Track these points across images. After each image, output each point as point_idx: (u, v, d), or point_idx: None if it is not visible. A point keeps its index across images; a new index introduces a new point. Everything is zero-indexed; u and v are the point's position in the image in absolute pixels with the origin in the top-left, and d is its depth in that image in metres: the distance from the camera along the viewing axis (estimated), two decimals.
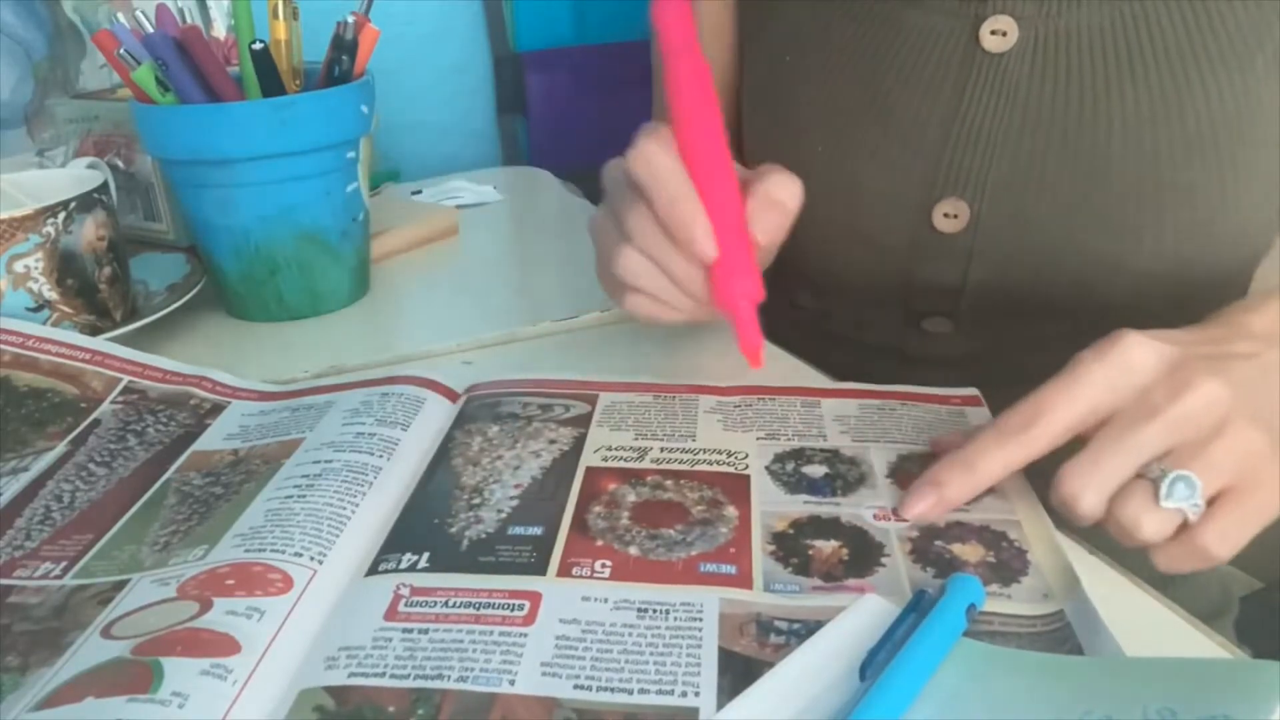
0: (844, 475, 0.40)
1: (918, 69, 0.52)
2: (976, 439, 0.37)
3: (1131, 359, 0.35)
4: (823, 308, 0.62)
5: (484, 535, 0.37)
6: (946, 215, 0.52)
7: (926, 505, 0.37)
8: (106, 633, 0.32)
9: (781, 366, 0.52)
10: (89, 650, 0.31)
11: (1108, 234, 0.50)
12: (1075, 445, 0.36)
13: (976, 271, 0.53)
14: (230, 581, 0.33)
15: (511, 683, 0.30)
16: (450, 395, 0.48)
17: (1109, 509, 0.34)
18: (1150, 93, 0.48)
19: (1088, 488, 0.34)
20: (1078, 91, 0.49)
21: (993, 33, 0.50)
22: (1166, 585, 0.39)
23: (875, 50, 0.53)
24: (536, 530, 0.37)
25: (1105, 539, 0.39)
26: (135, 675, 0.29)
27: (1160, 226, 0.49)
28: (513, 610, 0.33)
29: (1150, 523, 0.34)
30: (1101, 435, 0.35)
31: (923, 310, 0.56)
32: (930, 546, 0.36)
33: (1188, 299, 0.51)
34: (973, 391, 0.47)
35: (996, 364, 0.53)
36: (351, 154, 0.60)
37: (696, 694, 0.29)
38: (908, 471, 0.40)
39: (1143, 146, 0.48)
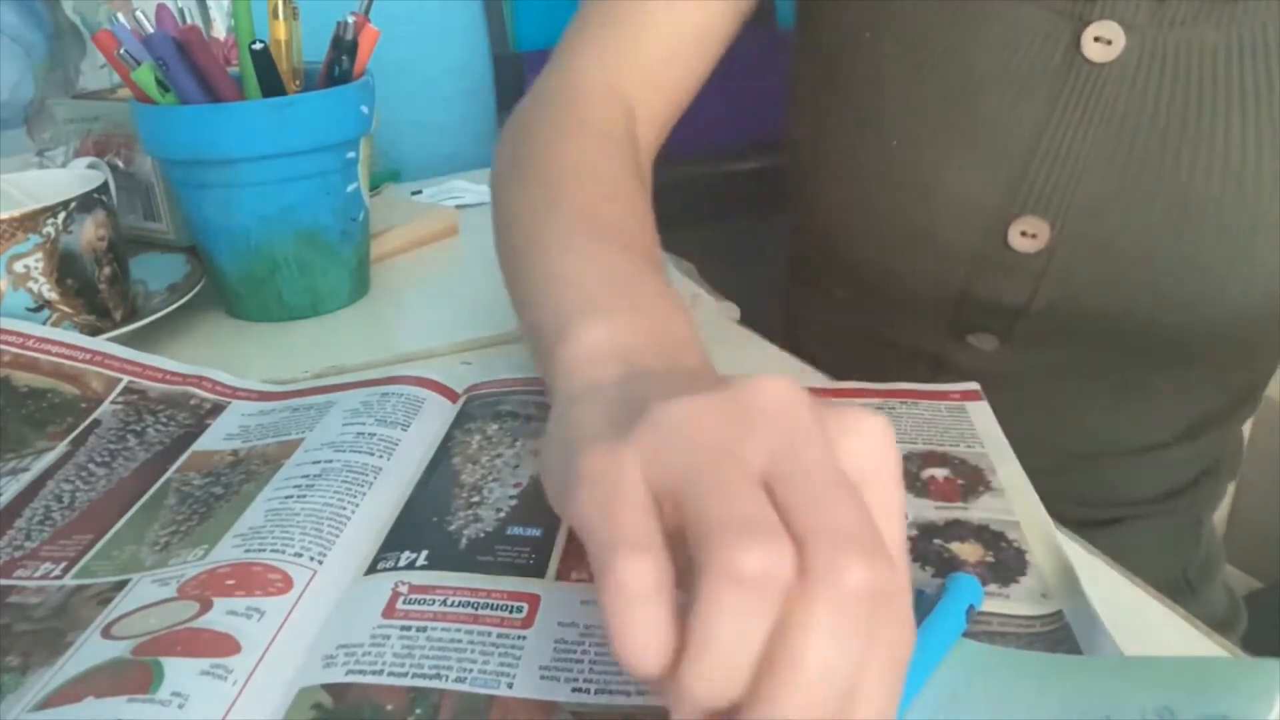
0: None
1: (1010, 69, 0.47)
2: None
3: None
4: (862, 303, 0.58)
5: (483, 534, 0.37)
6: (1024, 234, 0.48)
7: None
8: (107, 633, 0.32)
9: (779, 366, 0.52)
10: (89, 650, 0.31)
11: (1191, 274, 0.46)
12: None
13: (1044, 296, 0.49)
14: (230, 581, 0.33)
15: (510, 685, 0.30)
16: (450, 395, 0.48)
17: None
18: (1259, 126, 0.44)
19: None
20: (1180, 115, 0.44)
21: (1096, 40, 0.45)
22: (1173, 593, 0.38)
23: (967, 42, 0.48)
24: (535, 532, 0.37)
25: (1105, 539, 0.39)
26: (135, 675, 0.29)
27: (1249, 273, 0.46)
28: (511, 612, 0.33)
29: None
30: None
31: (972, 324, 0.53)
32: (929, 546, 0.36)
33: (1255, 346, 0.48)
34: (973, 386, 0.46)
35: (1032, 386, 0.50)
36: (351, 154, 0.60)
37: None
38: (905, 472, 0.40)
39: (1243, 184, 0.44)
